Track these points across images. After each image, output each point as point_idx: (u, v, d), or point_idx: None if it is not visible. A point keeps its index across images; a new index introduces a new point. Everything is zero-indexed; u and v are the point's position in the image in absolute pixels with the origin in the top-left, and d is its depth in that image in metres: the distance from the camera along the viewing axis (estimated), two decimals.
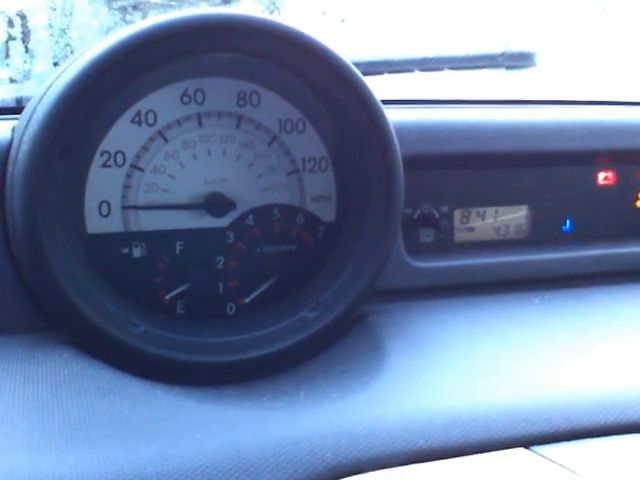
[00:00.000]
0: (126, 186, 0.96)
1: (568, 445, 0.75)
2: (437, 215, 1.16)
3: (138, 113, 0.96)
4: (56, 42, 1.30)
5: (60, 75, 0.88)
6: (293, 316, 0.98)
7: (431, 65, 1.38)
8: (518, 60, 1.44)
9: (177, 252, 0.98)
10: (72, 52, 1.28)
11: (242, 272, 1.01)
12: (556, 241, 1.23)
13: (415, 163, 1.08)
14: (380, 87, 1.00)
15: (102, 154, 0.95)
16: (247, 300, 1.01)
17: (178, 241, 0.98)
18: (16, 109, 1.03)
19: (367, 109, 0.96)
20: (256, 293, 1.01)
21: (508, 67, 1.44)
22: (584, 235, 1.25)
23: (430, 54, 1.38)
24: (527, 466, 0.72)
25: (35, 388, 0.79)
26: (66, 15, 1.32)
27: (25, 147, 0.86)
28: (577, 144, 1.23)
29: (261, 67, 0.98)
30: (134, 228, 0.97)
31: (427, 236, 1.16)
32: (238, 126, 1.00)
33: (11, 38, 1.27)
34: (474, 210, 1.19)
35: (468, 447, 0.73)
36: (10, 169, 0.89)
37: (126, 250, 0.97)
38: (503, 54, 1.42)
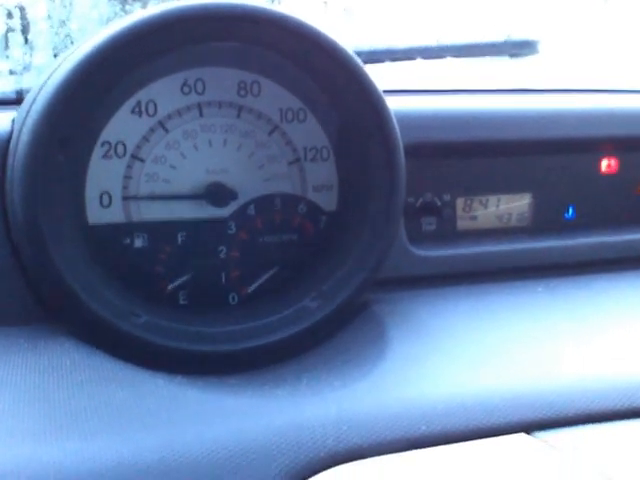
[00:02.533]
0: (127, 177, 0.96)
1: (569, 431, 0.75)
2: (439, 203, 1.16)
3: (138, 103, 0.96)
4: (56, 33, 1.30)
5: (59, 66, 0.88)
6: (295, 305, 0.98)
7: (433, 53, 1.38)
8: (521, 48, 1.44)
9: (179, 242, 0.98)
10: (72, 43, 1.28)
11: (244, 262, 1.01)
12: (559, 229, 1.23)
13: (417, 151, 1.08)
14: (382, 76, 1.00)
15: (102, 145, 0.95)
16: (249, 290, 1.01)
17: (180, 231, 0.98)
18: (16, 100, 1.03)
19: (368, 98, 0.96)
20: (258, 283, 1.01)
21: (511, 55, 1.43)
22: (587, 223, 1.25)
23: (432, 42, 1.38)
24: (528, 451, 0.72)
25: (37, 378, 0.79)
26: (65, 6, 1.32)
27: (24, 138, 0.86)
28: (580, 132, 1.23)
29: (262, 56, 0.98)
30: (135, 219, 0.97)
31: (429, 225, 1.16)
32: (239, 116, 1.00)
33: (10, 30, 1.27)
34: (477, 198, 1.19)
35: (470, 433, 0.73)
36: (10, 160, 0.89)
37: (127, 241, 0.97)
38: (506, 42, 1.42)
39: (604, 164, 1.26)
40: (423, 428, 0.73)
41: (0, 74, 1.27)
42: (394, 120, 0.97)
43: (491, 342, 0.94)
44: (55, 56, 1.28)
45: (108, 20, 1.37)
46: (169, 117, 0.97)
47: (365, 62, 0.97)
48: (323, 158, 1.03)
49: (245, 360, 0.91)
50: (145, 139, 0.96)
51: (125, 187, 0.96)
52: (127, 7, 1.39)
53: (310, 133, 1.03)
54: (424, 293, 1.09)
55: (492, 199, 1.19)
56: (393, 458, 0.70)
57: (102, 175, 0.95)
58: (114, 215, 0.96)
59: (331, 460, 0.69)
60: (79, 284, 0.89)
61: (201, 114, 0.98)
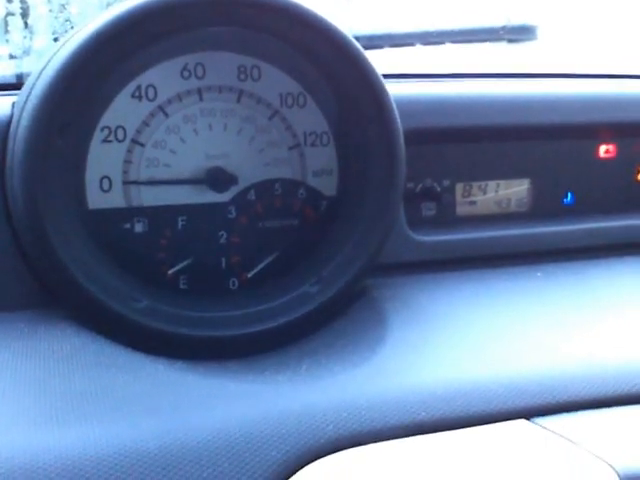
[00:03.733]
0: (127, 161, 0.96)
1: (569, 417, 0.76)
2: (439, 189, 1.16)
3: (138, 88, 0.95)
4: (56, 17, 1.29)
5: (59, 50, 0.88)
6: (295, 291, 0.98)
7: (432, 39, 1.38)
8: (519, 33, 1.44)
9: (179, 227, 0.98)
10: (72, 27, 1.27)
11: (244, 247, 1.01)
12: (557, 214, 1.23)
13: (416, 137, 1.08)
14: (381, 61, 0.99)
15: (102, 129, 0.94)
16: (249, 275, 1.01)
17: (180, 216, 0.98)
18: (16, 85, 1.03)
19: (368, 83, 0.96)
20: (258, 268, 1.01)
21: (509, 40, 1.43)
22: (585, 208, 1.25)
23: (431, 28, 1.38)
24: (528, 438, 0.72)
25: (37, 363, 0.80)
26: None
27: (24, 122, 0.86)
28: (578, 117, 1.23)
29: (261, 41, 0.97)
30: (135, 203, 0.97)
31: (429, 210, 1.16)
32: (239, 100, 0.99)
33: (10, 14, 1.26)
34: (476, 184, 1.19)
35: (469, 419, 0.74)
36: (10, 144, 0.89)
37: (128, 225, 0.97)
38: (504, 27, 1.42)
39: (602, 149, 1.26)
40: (423, 414, 0.73)
41: (0, 58, 1.26)
42: (394, 105, 0.97)
43: (490, 327, 0.95)
44: (55, 40, 1.28)
45: (108, 4, 1.36)
46: (169, 101, 0.97)
47: (364, 48, 0.96)
48: (323, 143, 1.03)
49: (245, 345, 0.91)
50: (145, 124, 0.96)
51: (125, 172, 0.96)
52: None
53: (310, 118, 1.03)
54: (423, 278, 1.09)
55: (491, 184, 1.20)
56: (393, 444, 0.71)
57: (102, 160, 0.95)
58: (114, 200, 0.96)
59: (331, 447, 0.69)
60: (79, 269, 0.89)
61: (201, 98, 0.98)
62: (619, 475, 0.68)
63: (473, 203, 1.19)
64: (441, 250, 1.14)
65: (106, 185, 0.95)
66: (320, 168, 1.04)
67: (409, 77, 1.26)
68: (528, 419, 0.75)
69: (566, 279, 1.12)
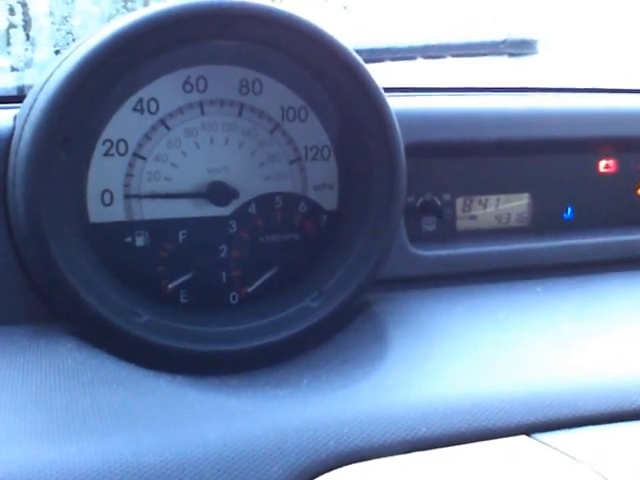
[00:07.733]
0: (129, 175, 0.96)
1: (570, 432, 0.75)
2: (439, 203, 1.16)
3: (140, 101, 0.96)
4: (57, 30, 1.29)
5: (61, 63, 0.88)
6: (296, 305, 0.98)
7: (433, 52, 1.38)
8: (520, 47, 1.44)
9: (180, 241, 0.98)
10: (74, 40, 1.28)
11: (245, 261, 1.01)
12: (558, 229, 1.23)
13: (417, 151, 1.08)
14: (382, 75, 0.99)
15: (104, 143, 0.94)
16: (250, 289, 1.01)
17: (181, 230, 0.98)
18: (18, 97, 1.03)
19: (369, 97, 0.96)
20: (259, 282, 1.01)
21: (510, 54, 1.44)
22: (585, 223, 1.25)
23: (432, 41, 1.38)
24: (529, 453, 0.72)
25: (38, 378, 0.79)
26: (67, 3, 1.32)
27: (27, 136, 0.86)
28: (579, 132, 1.23)
29: (263, 55, 0.97)
30: (137, 217, 0.97)
31: (429, 224, 1.16)
32: (240, 114, 0.99)
33: (12, 26, 1.26)
34: (476, 198, 1.19)
35: (470, 435, 0.73)
36: (12, 158, 0.89)
37: (129, 239, 0.97)
38: (505, 41, 1.42)
39: (603, 164, 1.26)
40: (424, 430, 0.73)
41: (1, 70, 1.27)
42: (395, 119, 0.97)
43: (491, 343, 0.94)
44: (56, 53, 1.28)
45: (110, 17, 1.36)
46: (171, 115, 0.97)
47: (365, 61, 0.96)
48: (324, 157, 1.03)
49: (246, 360, 0.91)
50: (147, 137, 0.96)
51: (127, 185, 0.96)
52: (129, 4, 1.39)
53: (311, 132, 1.03)
54: (424, 293, 1.09)
55: (491, 199, 1.20)
56: (394, 460, 0.70)
57: (104, 173, 0.95)
58: (115, 213, 0.96)
59: (332, 462, 0.69)
60: (80, 283, 0.89)
61: (203, 112, 0.98)
62: None
63: (473, 217, 1.19)
64: (442, 264, 1.14)
65: (107, 199, 0.95)
66: (321, 182, 1.04)
67: (410, 91, 1.26)
68: (529, 435, 0.75)
69: (566, 294, 1.12)
